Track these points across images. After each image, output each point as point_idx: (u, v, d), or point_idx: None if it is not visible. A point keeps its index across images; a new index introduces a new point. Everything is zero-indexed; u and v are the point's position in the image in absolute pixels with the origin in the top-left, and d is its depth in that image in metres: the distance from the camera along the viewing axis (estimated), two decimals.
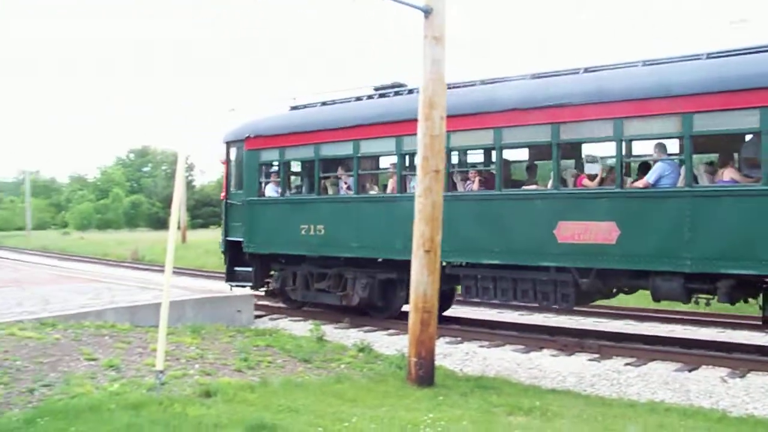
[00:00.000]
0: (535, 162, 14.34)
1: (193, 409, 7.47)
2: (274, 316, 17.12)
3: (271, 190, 17.16)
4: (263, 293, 17.87)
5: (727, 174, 11.26)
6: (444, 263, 13.08)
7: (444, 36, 9.83)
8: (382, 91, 16.14)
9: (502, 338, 13.85)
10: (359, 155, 15.16)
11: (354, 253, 15.30)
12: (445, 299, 15.19)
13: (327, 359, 11.56)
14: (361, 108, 15.81)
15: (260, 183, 17.28)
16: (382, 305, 15.72)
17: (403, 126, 13.89)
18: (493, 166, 13.73)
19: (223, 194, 18.56)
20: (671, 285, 11.51)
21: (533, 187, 13.36)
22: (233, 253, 17.73)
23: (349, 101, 16.48)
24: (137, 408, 7.43)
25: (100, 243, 54.74)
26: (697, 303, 12.02)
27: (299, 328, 15.40)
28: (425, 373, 9.86)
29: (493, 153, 13.59)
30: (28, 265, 29.25)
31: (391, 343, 13.60)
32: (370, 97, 16.25)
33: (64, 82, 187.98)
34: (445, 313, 15.85)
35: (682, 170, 11.36)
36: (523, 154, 14.98)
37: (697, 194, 11.08)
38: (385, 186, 15.50)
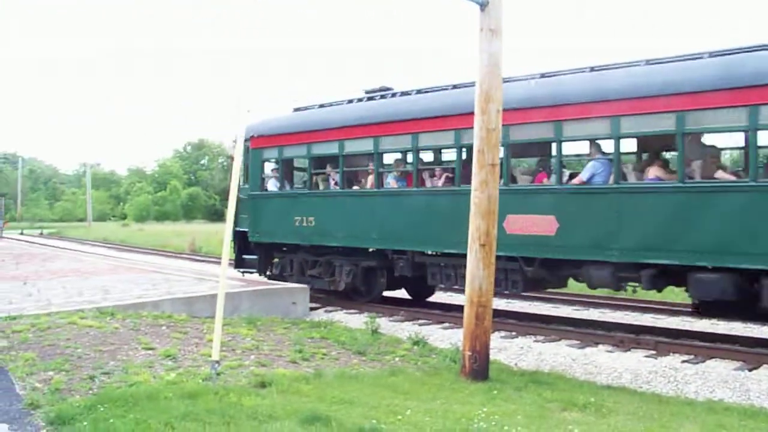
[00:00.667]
0: None
1: (248, 400, 7.53)
2: (329, 308, 17.19)
3: (272, 185, 18.95)
4: (266, 278, 19.15)
5: (653, 172, 12.28)
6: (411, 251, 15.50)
7: (501, 28, 9.72)
8: (370, 95, 17.41)
9: (557, 333, 13.72)
10: (344, 154, 16.74)
11: (339, 243, 16.97)
12: (425, 285, 16.55)
13: (381, 352, 11.56)
14: (347, 111, 17.32)
15: (263, 178, 19.10)
16: (364, 290, 17.01)
17: (380, 127, 15.81)
18: (453, 164, 14.99)
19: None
20: (602, 273, 12.58)
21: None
22: (241, 242, 19.51)
23: (341, 104, 17.93)
24: (193, 397, 7.50)
25: (158, 234, 55.49)
26: (625, 290, 13.29)
27: (354, 320, 15.44)
28: (479, 367, 9.80)
29: (454, 151, 14.90)
30: (88, 255, 29.82)
31: (445, 337, 13.55)
32: (360, 100, 17.54)
33: (124, 77, 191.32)
34: (502, 308, 15.82)
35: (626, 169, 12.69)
36: None
37: (623, 191, 12.26)
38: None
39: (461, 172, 14.32)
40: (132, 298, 13.94)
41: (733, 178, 11.65)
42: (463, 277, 12.92)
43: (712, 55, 11.84)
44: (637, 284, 12.60)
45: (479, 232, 9.78)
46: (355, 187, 17.19)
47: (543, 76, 13.84)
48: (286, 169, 18.84)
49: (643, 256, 11.99)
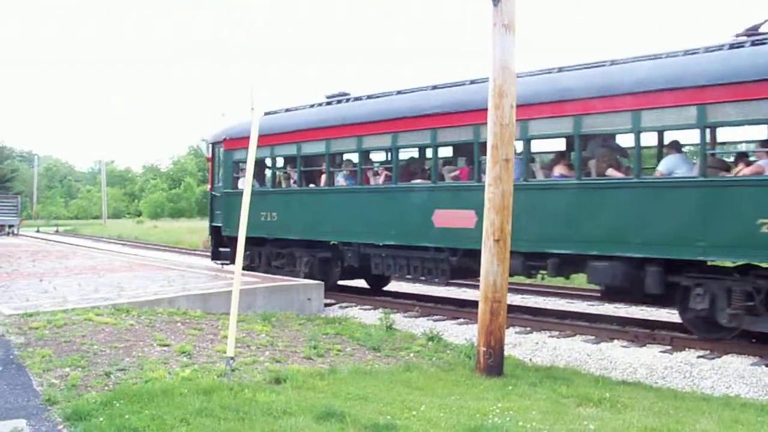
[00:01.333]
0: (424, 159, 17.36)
1: (263, 396, 7.54)
2: (344, 304, 17.23)
3: (241, 184, 19.82)
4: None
5: (558, 170, 13.64)
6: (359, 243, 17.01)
7: (514, 23, 9.68)
8: (329, 99, 18.98)
9: (572, 328, 13.70)
10: (301, 154, 18.53)
11: (298, 236, 18.61)
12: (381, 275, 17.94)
13: (396, 348, 11.56)
14: (305, 115, 19.04)
15: (234, 177, 20.63)
16: (321, 279, 17.50)
17: (332, 131, 17.46)
18: (390, 163, 16.60)
19: (209, 187, 22.70)
20: (515, 262, 12.79)
21: (419, 180, 16.11)
22: (217, 236, 21.30)
23: (304, 108, 19.52)
24: (208, 393, 7.52)
25: (172, 231, 55.66)
26: (535, 277, 14.73)
27: (369, 316, 15.47)
28: (494, 363, 9.79)
29: (389, 152, 16.85)
30: (103, 252, 29.97)
31: (460, 333, 13.55)
32: (320, 104, 19.09)
33: (138, 73, 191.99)
34: (513, 303, 15.81)
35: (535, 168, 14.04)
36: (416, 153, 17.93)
37: (531, 187, 13.52)
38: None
39: (398, 171, 16.07)
40: (147, 294, 13.99)
41: (621, 175, 12.69)
42: (401, 266, 16.30)
43: (595, 65, 13.34)
44: (544, 271, 13.95)
45: (493, 228, 9.76)
46: (311, 185, 18.65)
47: (473, 82, 15.04)
48: (257, 168, 18.72)
49: (547, 247, 13.28)
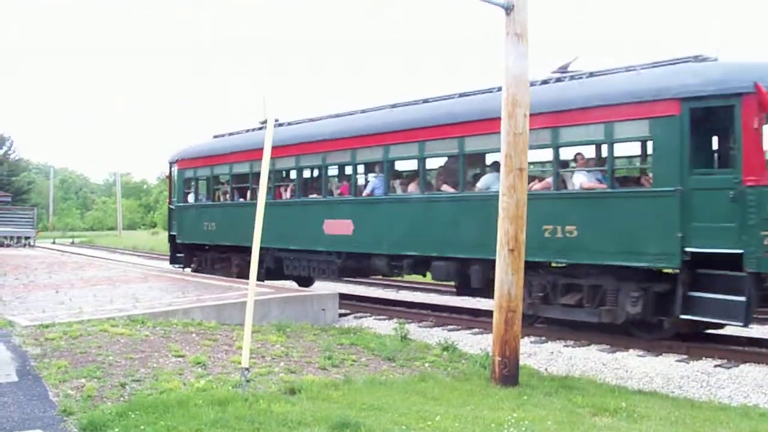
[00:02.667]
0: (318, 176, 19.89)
1: (277, 406, 7.54)
2: (359, 314, 17.24)
3: (190, 198, 24.25)
4: (191, 270, 24.11)
5: (411, 187, 16.38)
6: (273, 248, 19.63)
7: (527, 32, 9.67)
8: (261, 125, 22.09)
9: (588, 337, 13.62)
10: (232, 173, 22.01)
11: (230, 242, 21.63)
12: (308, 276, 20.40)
13: (411, 358, 11.53)
14: (236, 140, 22.55)
15: (185, 193, 24.40)
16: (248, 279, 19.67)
17: (254, 153, 19.69)
18: (294, 180, 19.95)
19: (168, 201, 26.28)
20: (381, 263, 16.83)
21: (314, 195, 19.08)
22: (174, 243, 24.96)
23: (240, 132, 23.10)
24: (223, 404, 7.53)
25: None
26: (396, 275, 18.12)
27: (383, 326, 15.46)
28: (509, 373, 9.75)
29: (294, 172, 19.99)
30: (119, 263, 30.09)
31: (475, 342, 13.52)
32: (256, 129, 22.34)
33: (155, 87, 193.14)
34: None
35: (394, 184, 16.90)
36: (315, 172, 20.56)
37: (392, 201, 16.53)
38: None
39: (300, 186, 19.41)
40: (162, 305, 14.05)
41: (452, 190, 15.34)
42: (304, 267, 19.26)
43: (434, 100, 16.49)
44: (402, 270, 16.70)
45: (507, 237, 9.70)
46: (240, 200, 21.84)
47: (363, 111, 18.31)
48: (199, 186, 24.25)
49: (403, 249, 16.09)
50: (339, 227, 17.55)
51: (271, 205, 18.31)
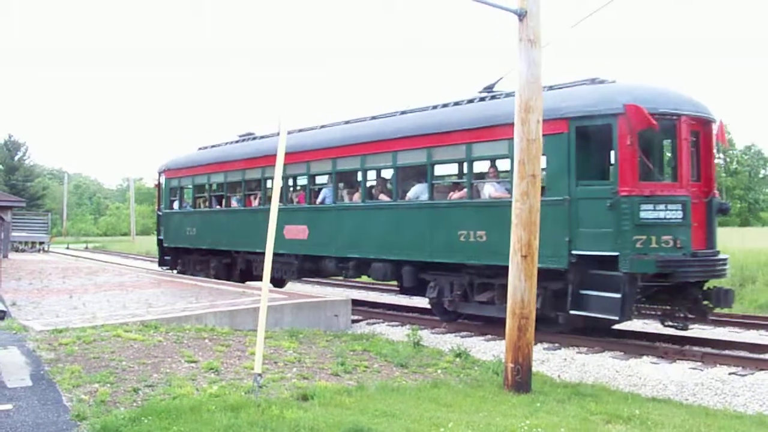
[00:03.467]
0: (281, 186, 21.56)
1: (290, 413, 7.54)
2: (371, 320, 17.25)
3: (175, 206, 26.57)
4: (176, 272, 26.39)
5: (356, 196, 18.13)
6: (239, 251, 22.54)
7: (540, 38, 9.67)
8: (242, 137, 24.22)
9: (601, 344, 13.57)
10: (209, 183, 24.32)
11: (209, 246, 24.11)
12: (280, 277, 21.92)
13: (423, 364, 11.51)
14: (214, 152, 24.79)
15: (171, 200, 26.76)
16: (225, 279, 23.10)
17: (227, 165, 23.07)
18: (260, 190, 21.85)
19: (157, 208, 28.65)
20: (331, 264, 18.81)
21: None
22: (162, 247, 27.52)
23: (220, 145, 25.17)
24: (236, 410, 7.53)
25: None
26: (345, 276, 19.79)
27: (396, 332, 15.45)
28: (522, 379, 9.72)
29: (261, 182, 21.66)
30: (132, 269, 30.17)
31: (488, 349, 13.49)
32: (236, 141, 24.38)
33: (167, 93, 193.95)
34: None
35: (343, 194, 18.73)
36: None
37: (339, 209, 18.38)
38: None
39: (264, 195, 21.30)
40: (175, 311, 14.08)
41: (388, 199, 17.18)
42: (276, 267, 20.07)
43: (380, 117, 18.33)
44: (348, 271, 18.42)
45: (521, 243, 9.67)
46: (217, 207, 24.01)
47: (322, 127, 20.07)
48: (183, 194, 26.49)
49: (348, 252, 17.88)
50: (296, 232, 19.53)
51: (239, 212, 22.53)
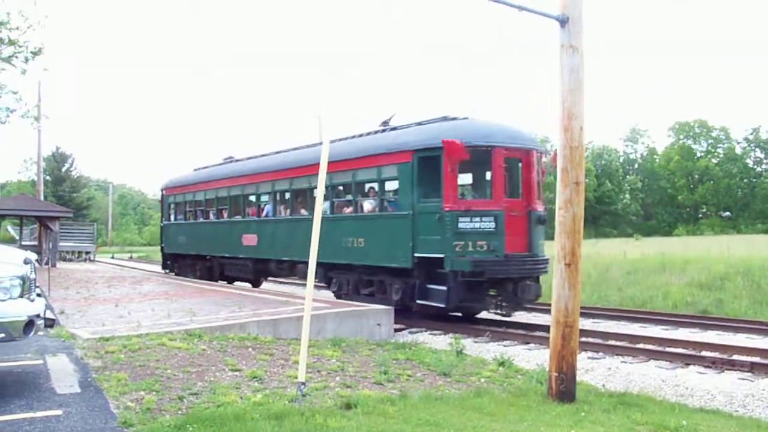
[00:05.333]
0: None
1: (333, 421, 7.55)
2: (414, 329, 17.22)
3: (172, 218, 32.14)
4: (174, 274, 31.44)
5: (288, 211, 22.37)
6: (211, 256, 28.02)
7: (582, 44, 9.58)
8: (227, 160, 29.33)
9: (646, 354, 13.41)
10: (195, 199, 29.58)
11: (195, 252, 29.33)
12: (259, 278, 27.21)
13: (466, 373, 11.46)
14: (201, 174, 30.01)
15: (169, 214, 32.66)
16: (208, 279, 27.70)
17: (206, 185, 28.53)
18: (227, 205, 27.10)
19: (161, 220, 34.87)
20: (273, 266, 23.38)
21: (237, 216, 25.83)
22: (163, 253, 33.22)
23: (208, 167, 30.24)
24: (280, 418, 7.56)
25: None
26: (285, 275, 24.84)
27: (439, 341, 15.41)
28: (566, 389, 9.61)
29: (228, 200, 26.77)
30: (175, 278, 30.47)
31: (531, 358, 13.39)
32: (219, 164, 29.47)
33: (212, 105, 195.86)
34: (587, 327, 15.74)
35: (280, 208, 23.32)
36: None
37: (277, 221, 22.82)
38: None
39: (231, 210, 26.38)
40: (218, 320, 14.18)
41: (306, 213, 20.97)
42: (235, 270, 26.37)
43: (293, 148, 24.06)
44: (285, 271, 23.04)
45: (564, 252, 9.54)
46: (201, 219, 29.12)
47: (263, 155, 25.65)
48: (178, 208, 31.72)
49: (282, 256, 22.31)
50: (250, 240, 24.30)
51: (214, 223, 27.59)
